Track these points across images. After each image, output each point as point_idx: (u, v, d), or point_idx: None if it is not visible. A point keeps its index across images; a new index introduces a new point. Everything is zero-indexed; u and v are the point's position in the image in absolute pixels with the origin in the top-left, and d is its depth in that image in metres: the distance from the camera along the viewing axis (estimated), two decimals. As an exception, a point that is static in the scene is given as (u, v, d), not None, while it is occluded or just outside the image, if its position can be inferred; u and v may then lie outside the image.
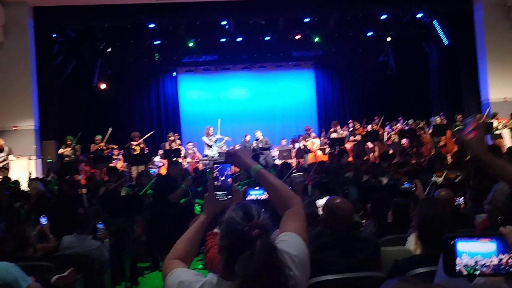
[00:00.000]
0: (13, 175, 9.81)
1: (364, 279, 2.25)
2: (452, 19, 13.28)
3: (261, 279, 1.33)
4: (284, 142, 13.60)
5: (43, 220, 4.87)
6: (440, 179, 5.91)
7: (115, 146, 12.44)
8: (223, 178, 1.88)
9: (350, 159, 8.45)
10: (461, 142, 6.14)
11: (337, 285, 1.98)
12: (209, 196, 1.89)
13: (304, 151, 12.76)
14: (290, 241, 1.57)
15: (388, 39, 14.83)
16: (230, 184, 1.88)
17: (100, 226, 4.77)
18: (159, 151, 13.04)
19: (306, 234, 1.67)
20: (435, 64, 14.75)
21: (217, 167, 1.91)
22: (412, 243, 3.19)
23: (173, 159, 9.67)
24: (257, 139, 12.93)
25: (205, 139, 12.98)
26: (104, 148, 12.18)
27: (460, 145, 6.07)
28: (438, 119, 12.52)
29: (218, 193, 1.87)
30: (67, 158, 11.60)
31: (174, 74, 16.75)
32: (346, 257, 2.50)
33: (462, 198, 4.97)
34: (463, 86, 13.38)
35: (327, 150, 12.39)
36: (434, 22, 13.53)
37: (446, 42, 13.58)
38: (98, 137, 12.26)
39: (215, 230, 2.63)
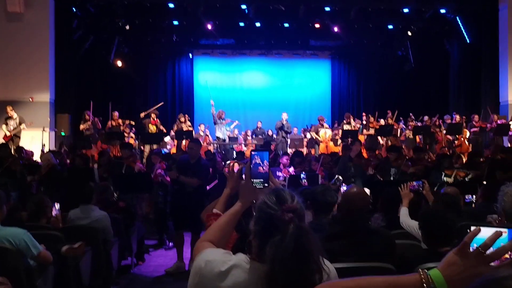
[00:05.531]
0: (24, 145, 9.90)
1: (375, 270, 2.23)
2: (476, 17, 13.02)
3: (289, 264, 1.28)
4: (295, 130, 13.55)
5: (55, 209, 4.56)
6: (450, 179, 5.84)
7: (133, 122, 12.55)
8: (262, 166, 1.79)
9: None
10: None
11: (347, 273, 1.96)
12: (245, 184, 1.80)
13: (315, 141, 12.69)
14: None
15: (409, 33, 14.58)
16: (267, 172, 1.79)
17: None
18: (171, 131, 13.08)
19: None
20: (456, 61, 14.49)
21: (254, 154, 1.83)
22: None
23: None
24: (282, 123, 13.06)
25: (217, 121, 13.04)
26: (121, 124, 12.26)
27: None
28: (457, 117, 12.33)
29: (254, 180, 1.79)
30: (87, 132, 11.71)
31: (190, 55, 16.71)
32: (359, 248, 2.48)
33: (474, 196, 4.94)
34: (482, 86, 13.14)
35: (339, 141, 12.31)
36: (458, 18, 13.27)
37: (468, 40, 13.33)
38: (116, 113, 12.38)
39: (214, 211, 2.61)
